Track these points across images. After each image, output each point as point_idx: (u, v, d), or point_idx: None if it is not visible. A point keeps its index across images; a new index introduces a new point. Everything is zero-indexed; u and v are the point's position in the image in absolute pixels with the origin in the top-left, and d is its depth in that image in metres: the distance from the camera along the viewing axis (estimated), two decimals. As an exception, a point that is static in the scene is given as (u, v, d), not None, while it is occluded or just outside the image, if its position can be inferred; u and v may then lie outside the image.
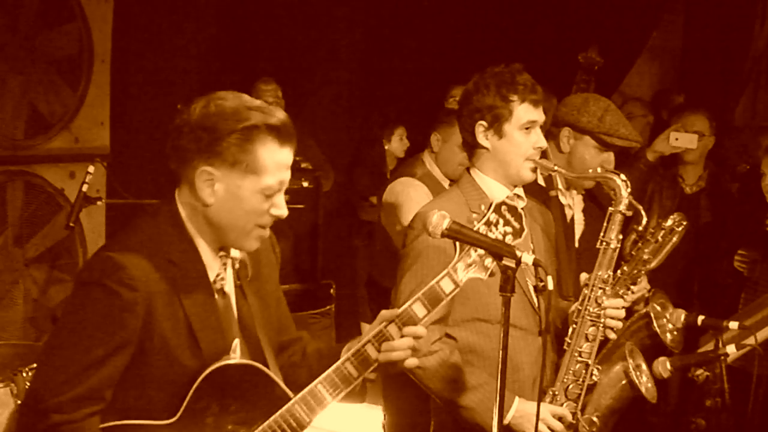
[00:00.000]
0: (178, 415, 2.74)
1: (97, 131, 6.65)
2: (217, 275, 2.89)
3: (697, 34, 8.84)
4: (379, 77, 8.98)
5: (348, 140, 8.94)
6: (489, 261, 2.97)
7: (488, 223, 2.96)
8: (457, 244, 2.99)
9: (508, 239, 2.97)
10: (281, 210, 2.85)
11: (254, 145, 2.76)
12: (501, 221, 2.97)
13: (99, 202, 5.68)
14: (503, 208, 2.99)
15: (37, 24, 6.29)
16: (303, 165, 7.39)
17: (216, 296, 2.87)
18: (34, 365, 4.58)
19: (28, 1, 6.22)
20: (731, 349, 4.02)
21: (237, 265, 2.96)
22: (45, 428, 2.66)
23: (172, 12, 7.38)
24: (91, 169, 5.46)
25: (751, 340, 4.21)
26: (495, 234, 2.95)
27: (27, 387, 2.71)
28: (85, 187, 5.42)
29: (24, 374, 4.52)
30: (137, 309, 2.69)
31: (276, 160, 2.80)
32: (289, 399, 2.87)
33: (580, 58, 6.74)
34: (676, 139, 5.80)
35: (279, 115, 2.83)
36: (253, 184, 2.78)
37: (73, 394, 2.66)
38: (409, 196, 5.49)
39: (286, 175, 2.85)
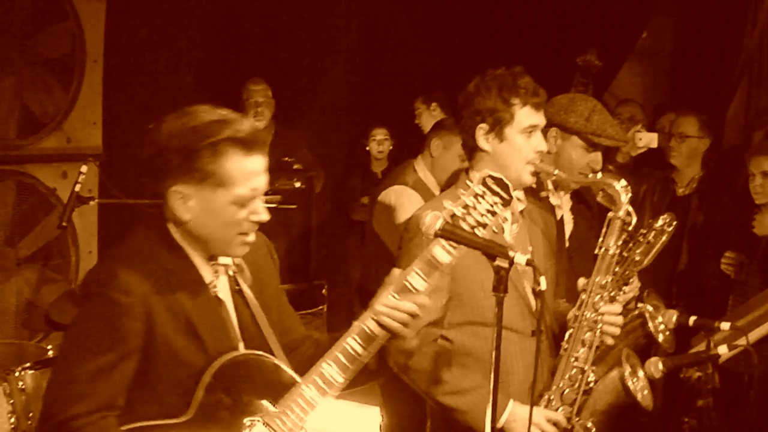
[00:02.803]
0: (194, 411, 2.80)
1: (90, 131, 6.66)
2: (210, 282, 2.95)
3: (688, 37, 8.85)
4: (372, 79, 8.98)
5: (341, 141, 8.94)
6: (479, 231, 2.95)
7: (475, 196, 2.95)
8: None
9: (497, 209, 2.95)
10: (260, 215, 2.90)
11: (220, 159, 2.81)
12: (488, 192, 2.95)
13: (91, 202, 5.67)
14: (490, 180, 2.96)
15: (30, 24, 6.29)
16: (295, 166, 7.41)
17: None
18: (27, 365, 4.59)
19: (21, 1, 6.22)
20: (723, 349, 4.02)
21: (231, 272, 3.02)
22: None
23: (165, 12, 7.37)
24: (83, 169, 5.45)
25: (742, 341, 4.22)
26: (483, 205, 2.95)
27: (43, 399, 2.81)
28: (77, 187, 5.42)
29: (17, 374, 4.52)
30: (135, 313, 2.76)
31: (244, 170, 2.84)
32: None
33: (579, 60, 6.75)
34: (640, 139, 5.86)
35: (242, 126, 2.87)
36: (225, 197, 2.84)
37: (88, 405, 2.72)
38: (403, 205, 5.48)
39: (259, 181, 2.88)
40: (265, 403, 2.89)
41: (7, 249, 6.29)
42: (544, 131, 4.52)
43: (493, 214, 2.95)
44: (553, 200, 4.57)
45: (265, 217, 2.90)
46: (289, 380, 2.92)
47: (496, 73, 3.73)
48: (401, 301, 2.90)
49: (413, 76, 8.65)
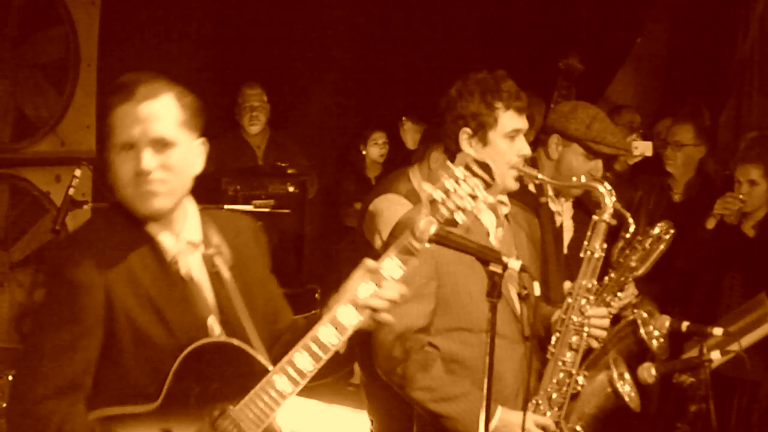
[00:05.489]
0: (161, 399, 2.76)
1: (84, 135, 6.64)
2: (171, 258, 2.87)
3: (682, 42, 8.87)
4: (366, 84, 8.99)
5: (335, 146, 8.95)
6: (459, 215, 2.91)
7: (456, 179, 2.91)
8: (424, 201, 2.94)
9: (479, 192, 2.90)
10: (141, 165, 2.77)
11: (107, 114, 2.81)
12: (469, 176, 2.91)
13: (85, 206, 5.67)
14: (472, 163, 2.92)
15: (24, 27, 6.29)
16: (289, 171, 7.41)
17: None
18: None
19: (15, 5, 6.22)
20: (716, 355, 4.03)
21: (204, 250, 2.94)
22: (33, 421, 2.69)
23: (160, 16, 7.38)
24: (77, 172, 5.45)
25: (735, 346, 4.23)
26: (464, 188, 2.89)
27: (10, 386, 2.78)
28: (71, 191, 5.42)
29: (10, 377, 4.53)
30: (93, 290, 2.73)
31: (120, 117, 2.79)
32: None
33: (561, 64, 6.79)
34: (636, 147, 5.93)
35: (121, 79, 2.84)
36: (112, 146, 2.80)
37: (53, 385, 2.69)
38: (395, 214, 5.45)
39: (137, 130, 2.78)
40: (234, 391, 2.82)
41: (0, 252, 6.28)
42: (546, 138, 4.55)
43: (474, 198, 2.91)
44: (553, 206, 4.57)
45: (145, 167, 2.77)
46: (260, 369, 2.86)
47: (478, 76, 3.71)
48: (380, 288, 2.87)
49: (407, 82, 8.66)
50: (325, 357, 2.84)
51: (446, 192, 2.90)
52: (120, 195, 2.82)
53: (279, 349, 3.00)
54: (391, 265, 2.90)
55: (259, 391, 2.81)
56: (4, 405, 4.51)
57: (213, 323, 2.90)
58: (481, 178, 2.91)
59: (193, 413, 2.78)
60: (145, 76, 2.85)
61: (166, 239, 2.87)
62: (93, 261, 2.74)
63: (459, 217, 2.91)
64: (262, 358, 2.88)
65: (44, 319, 2.78)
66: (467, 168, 2.90)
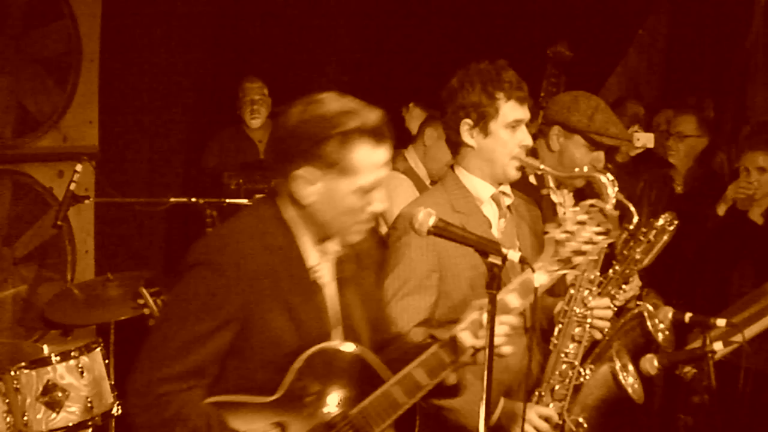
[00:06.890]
0: (281, 392, 2.86)
1: (86, 130, 6.65)
2: (311, 267, 2.99)
3: (682, 34, 8.87)
4: (367, 76, 8.99)
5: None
6: (578, 259, 3.02)
7: (578, 223, 3.00)
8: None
9: (597, 238, 3.01)
10: (379, 206, 2.95)
11: (350, 149, 2.86)
12: (590, 222, 3.01)
13: (87, 201, 5.67)
14: (593, 209, 3.03)
15: (26, 22, 6.29)
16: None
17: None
18: (23, 364, 4.58)
19: (17, 0, 6.22)
20: (719, 345, 4.02)
21: (335, 260, 3.06)
22: (154, 398, 2.78)
23: (161, 10, 7.36)
24: (79, 167, 5.44)
25: (738, 337, 4.22)
26: (586, 234, 3.00)
27: (137, 361, 2.88)
28: (73, 186, 5.41)
29: (12, 373, 4.51)
30: (241, 285, 2.83)
31: (372, 160, 2.89)
32: None
33: (549, 52, 6.77)
34: (638, 139, 5.95)
35: (373, 117, 2.91)
36: (349, 185, 2.89)
37: (180, 368, 2.79)
38: (395, 188, 5.43)
39: (382, 173, 2.93)
40: (353, 396, 2.94)
41: (4, 248, 6.29)
42: (547, 130, 4.54)
43: (593, 244, 3.02)
44: (555, 198, 4.56)
45: (382, 208, 2.96)
46: (377, 378, 2.98)
47: (479, 67, 3.70)
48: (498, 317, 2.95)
49: (406, 71, 8.65)
50: (440, 375, 2.99)
51: (569, 233, 3.01)
52: (325, 216, 2.92)
53: (384, 361, 3.08)
54: (511, 299, 3.04)
55: (375, 400, 2.93)
56: (7, 401, 4.51)
57: (337, 330, 3.02)
58: (600, 224, 3.02)
59: (309, 412, 2.90)
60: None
61: (309, 248, 2.98)
62: (245, 259, 2.85)
63: (576, 260, 3.03)
64: (381, 368, 2.99)
65: (187, 304, 2.85)
66: (588, 213, 3.02)
